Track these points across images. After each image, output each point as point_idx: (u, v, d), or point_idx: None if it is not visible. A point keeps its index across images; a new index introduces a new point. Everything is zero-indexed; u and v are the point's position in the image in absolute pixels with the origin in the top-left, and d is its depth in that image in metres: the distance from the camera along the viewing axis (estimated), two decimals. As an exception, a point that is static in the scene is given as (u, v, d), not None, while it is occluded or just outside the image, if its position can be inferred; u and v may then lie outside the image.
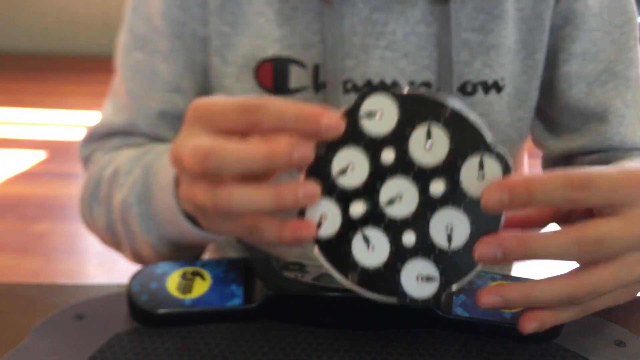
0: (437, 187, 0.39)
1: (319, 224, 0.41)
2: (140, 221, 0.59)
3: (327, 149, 0.40)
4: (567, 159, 0.71)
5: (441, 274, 0.41)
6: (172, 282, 0.52)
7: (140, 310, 0.50)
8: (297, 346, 0.49)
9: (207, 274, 0.53)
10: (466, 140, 0.38)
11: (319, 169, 0.40)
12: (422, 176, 0.39)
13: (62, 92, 3.94)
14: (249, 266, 0.53)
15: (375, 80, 0.64)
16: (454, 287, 0.41)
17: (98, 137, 0.71)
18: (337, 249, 0.41)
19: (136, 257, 0.64)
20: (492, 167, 0.39)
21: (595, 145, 0.67)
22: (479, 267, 0.40)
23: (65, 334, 0.50)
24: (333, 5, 0.63)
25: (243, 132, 0.40)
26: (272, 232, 0.41)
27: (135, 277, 0.52)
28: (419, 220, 0.40)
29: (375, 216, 0.40)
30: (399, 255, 0.41)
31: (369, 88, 0.40)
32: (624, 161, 0.64)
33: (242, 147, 0.39)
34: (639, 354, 0.49)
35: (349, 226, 0.41)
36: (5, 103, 3.71)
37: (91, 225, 0.68)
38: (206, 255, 0.83)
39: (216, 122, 0.41)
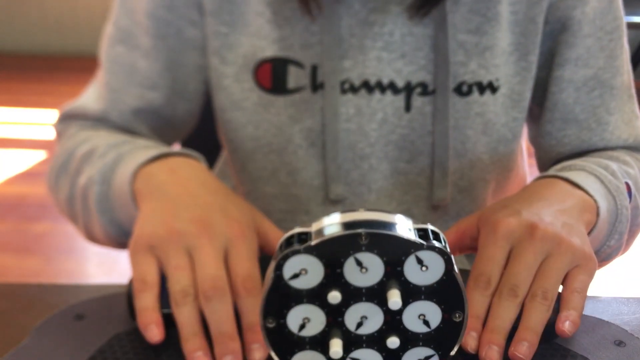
0: (393, 294, 0.40)
1: None
2: (97, 200, 0.60)
3: (277, 316, 0.40)
4: (557, 162, 0.72)
5: (436, 349, 0.42)
6: (172, 282, 0.52)
7: (140, 310, 0.50)
8: (297, 346, 0.49)
9: (207, 274, 0.52)
10: (395, 249, 0.39)
11: (281, 333, 0.41)
12: (373, 293, 0.40)
13: (62, 92, 3.94)
14: (248, 266, 0.53)
15: (372, 80, 0.65)
16: (453, 352, 0.43)
17: (73, 117, 0.72)
18: None
19: (88, 233, 0.66)
20: (430, 257, 0.39)
21: (581, 151, 0.69)
22: (465, 327, 0.42)
23: (65, 334, 0.50)
24: (312, 13, 0.63)
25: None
26: None
27: (135, 277, 0.52)
28: (393, 324, 0.41)
29: (353, 341, 0.41)
30: (392, 355, 0.42)
31: (282, 247, 0.40)
32: (598, 158, 0.66)
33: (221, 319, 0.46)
34: (639, 354, 0.49)
35: None
36: (5, 103, 3.71)
37: (53, 194, 0.69)
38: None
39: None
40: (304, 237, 0.40)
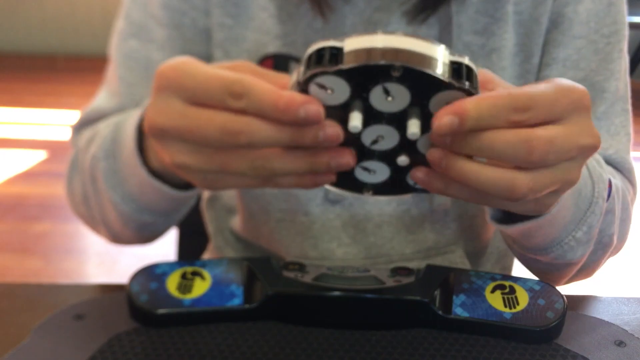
0: (414, 124, 0.40)
1: None
2: (105, 176, 0.59)
3: None
4: None
5: None
6: (172, 282, 0.52)
7: (140, 310, 0.50)
8: (297, 346, 0.49)
9: (207, 274, 0.53)
10: (425, 85, 0.39)
11: None
12: (394, 119, 0.40)
13: (62, 92, 3.94)
14: (249, 266, 0.53)
15: None
16: None
17: (88, 122, 0.70)
18: (344, 179, 0.44)
19: (108, 229, 0.64)
20: (458, 96, 0.39)
21: None
22: None
23: (65, 334, 0.50)
24: (324, 13, 0.62)
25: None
26: (292, 183, 0.43)
27: (135, 277, 0.52)
28: (406, 145, 0.42)
29: (365, 153, 0.42)
30: (399, 171, 0.43)
31: (312, 60, 0.39)
32: None
33: (272, 127, 0.39)
34: (639, 354, 0.49)
35: None
36: (5, 103, 3.71)
37: (72, 201, 0.68)
38: (206, 256, 0.83)
39: (197, 95, 0.40)
40: (335, 52, 0.39)
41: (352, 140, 0.41)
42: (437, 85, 0.38)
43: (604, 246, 0.60)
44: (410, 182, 0.44)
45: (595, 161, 0.58)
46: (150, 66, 0.67)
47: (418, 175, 0.44)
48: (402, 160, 0.42)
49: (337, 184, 0.45)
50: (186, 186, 0.56)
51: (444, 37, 0.63)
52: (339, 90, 0.39)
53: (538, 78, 0.66)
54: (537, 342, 0.49)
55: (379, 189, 0.45)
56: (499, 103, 0.39)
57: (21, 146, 3.12)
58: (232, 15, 0.66)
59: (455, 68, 0.39)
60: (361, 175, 0.44)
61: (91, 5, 4.50)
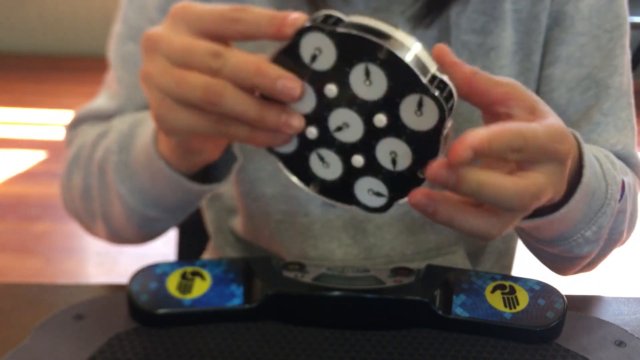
0: (380, 119, 0.41)
1: None
2: (116, 169, 0.59)
3: None
4: None
5: (389, 190, 0.44)
6: (172, 282, 0.52)
7: (140, 310, 0.50)
8: (297, 346, 0.49)
9: (207, 274, 0.53)
10: (403, 80, 0.39)
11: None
12: (365, 109, 0.41)
13: (62, 92, 3.94)
14: (249, 266, 0.53)
15: None
16: (401, 202, 0.44)
17: (85, 120, 0.70)
18: (298, 163, 0.45)
19: (106, 222, 0.64)
20: (430, 106, 0.40)
21: None
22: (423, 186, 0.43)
23: (65, 334, 0.50)
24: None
25: (221, 37, 0.44)
26: (244, 133, 0.43)
27: (135, 277, 0.52)
28: (366, 145, 0.42)
29: (326, 139, 0.43)
30: (351, 173, 0.44)
31: (307, 22, 0.40)
32: None
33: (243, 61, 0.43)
34: (639, 354, 0.49)
35: (306, 146, 0.44)
36: (5, 103, 3.70)
37: (68, 196, 0.68)
38: (206, 255, 0.83)
39: (198, 24, 0.43)
40: (338, 21, 0.40)
41: (318, 121, 0.42)
42: (414, 83, 0.39)
43: (613, 242, 0.61)
44: (356, 192, 0.45)
45: (610, 163, 0.58)
46: None
47: (417, 198, 0.42)
48: (358, 160, 0.43)
49: (289, 165, 0.46)
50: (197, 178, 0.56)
51: (443, 37, 0.63)
52: (326, 54, 0.40)
53: (541, 76, 0.67)
54: (537, 342, 0.49)
55: (326, 188, 0.46)
56: (504, 138, 0.39)
57: (21, 146, 3.11)
58: None
59: (434, 83, 0.40)
60: (315, 163, 0.45)
61: (91, 5, 4.50)
